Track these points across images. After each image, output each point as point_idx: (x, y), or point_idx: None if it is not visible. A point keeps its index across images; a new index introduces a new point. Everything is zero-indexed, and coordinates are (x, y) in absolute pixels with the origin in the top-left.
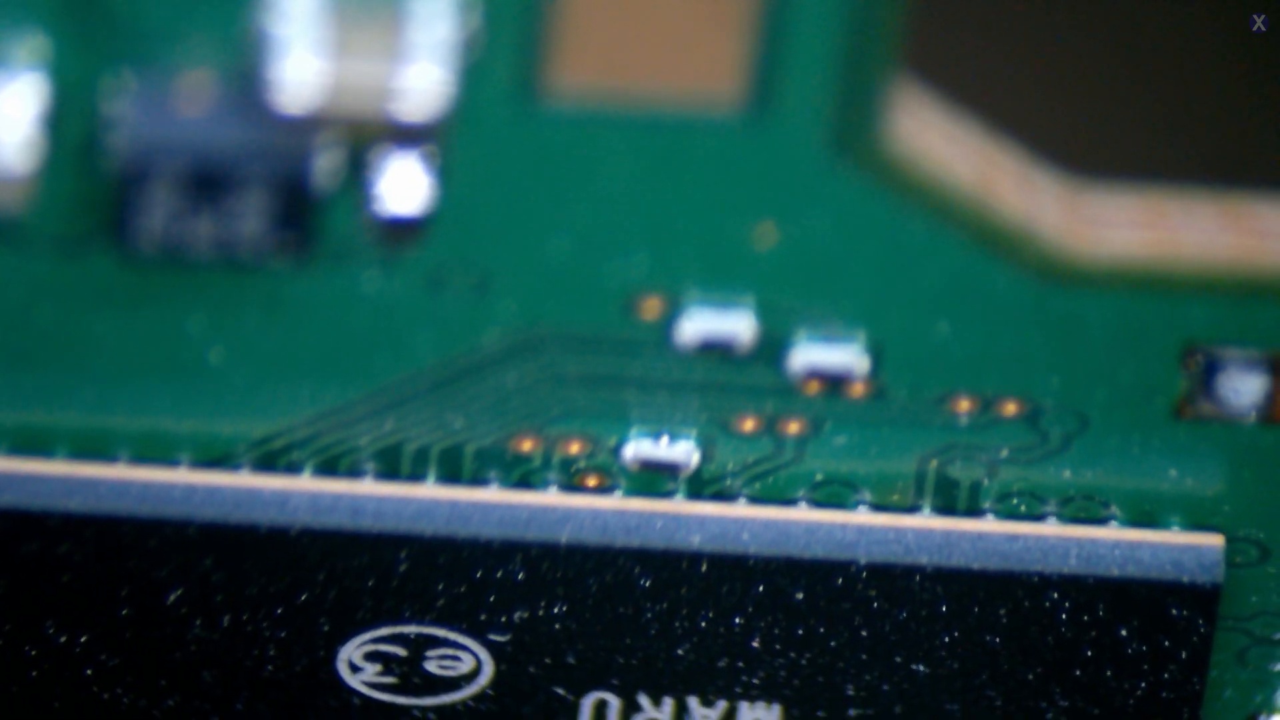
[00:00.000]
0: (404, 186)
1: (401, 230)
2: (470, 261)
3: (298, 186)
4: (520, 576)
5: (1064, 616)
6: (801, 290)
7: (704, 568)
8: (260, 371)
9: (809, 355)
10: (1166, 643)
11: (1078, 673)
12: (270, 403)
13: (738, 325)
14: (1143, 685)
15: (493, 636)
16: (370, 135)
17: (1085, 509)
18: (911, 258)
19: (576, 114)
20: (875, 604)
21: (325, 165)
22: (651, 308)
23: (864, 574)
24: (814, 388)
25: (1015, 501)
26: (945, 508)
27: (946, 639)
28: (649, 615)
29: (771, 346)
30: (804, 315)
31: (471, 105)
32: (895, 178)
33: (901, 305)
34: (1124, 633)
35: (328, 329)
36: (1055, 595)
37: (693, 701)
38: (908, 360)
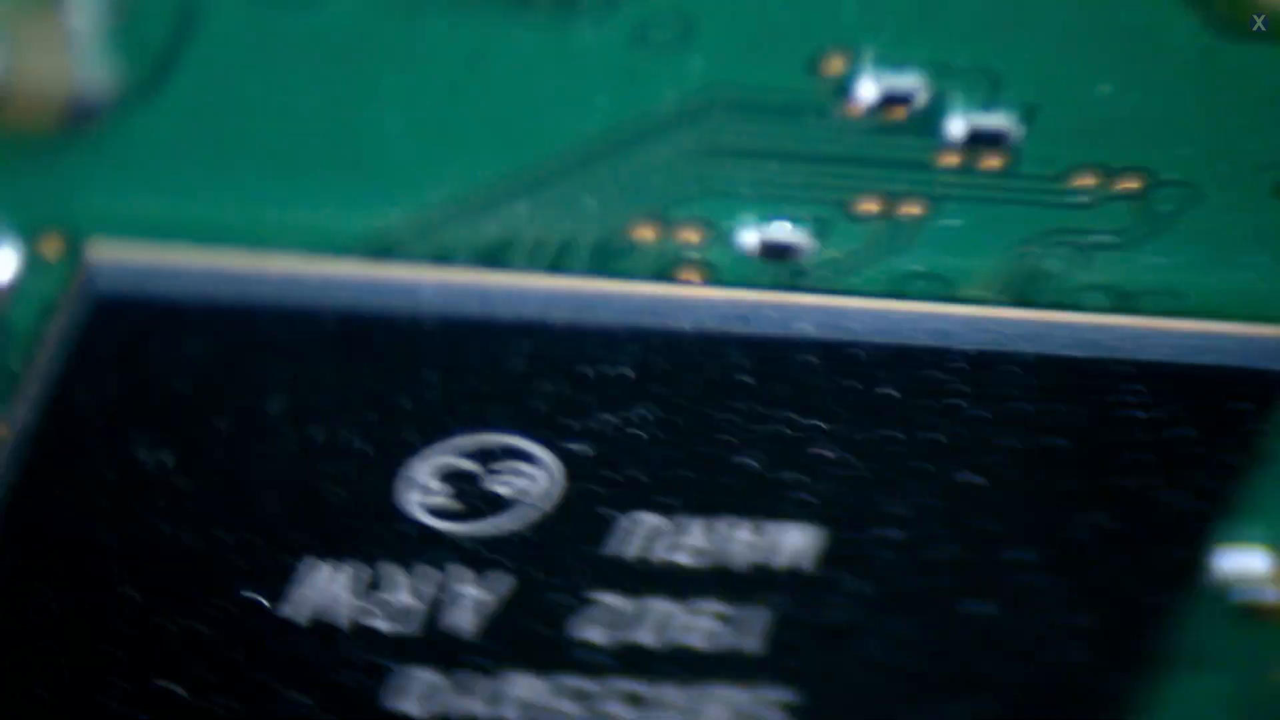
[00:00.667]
0: None
1: None
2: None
3: None
4: (617, 375)
5: (1125, 401)
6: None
7: (791, 355)
8: (428, 138)
9: (966, 121)
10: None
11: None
12: (419, 177)
13: (912, 85)
14: (1191, 479)
15: (572, 447)
16: None
17: (1162, 303)
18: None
19: None
20: (944, 397)
21: None
22: (834, 65)
23: (929, 362)
24: (951, 159)
25: (1094, 295)
26: (1026, 300)
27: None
28: (731, 414)
29: (935, 111)
30: (968, 79)
31: None
32: None
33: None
34: (1181, 420)
35: (513, 89)
36: (1114, 381)
37: (741, 525)
38: (1058, 127)
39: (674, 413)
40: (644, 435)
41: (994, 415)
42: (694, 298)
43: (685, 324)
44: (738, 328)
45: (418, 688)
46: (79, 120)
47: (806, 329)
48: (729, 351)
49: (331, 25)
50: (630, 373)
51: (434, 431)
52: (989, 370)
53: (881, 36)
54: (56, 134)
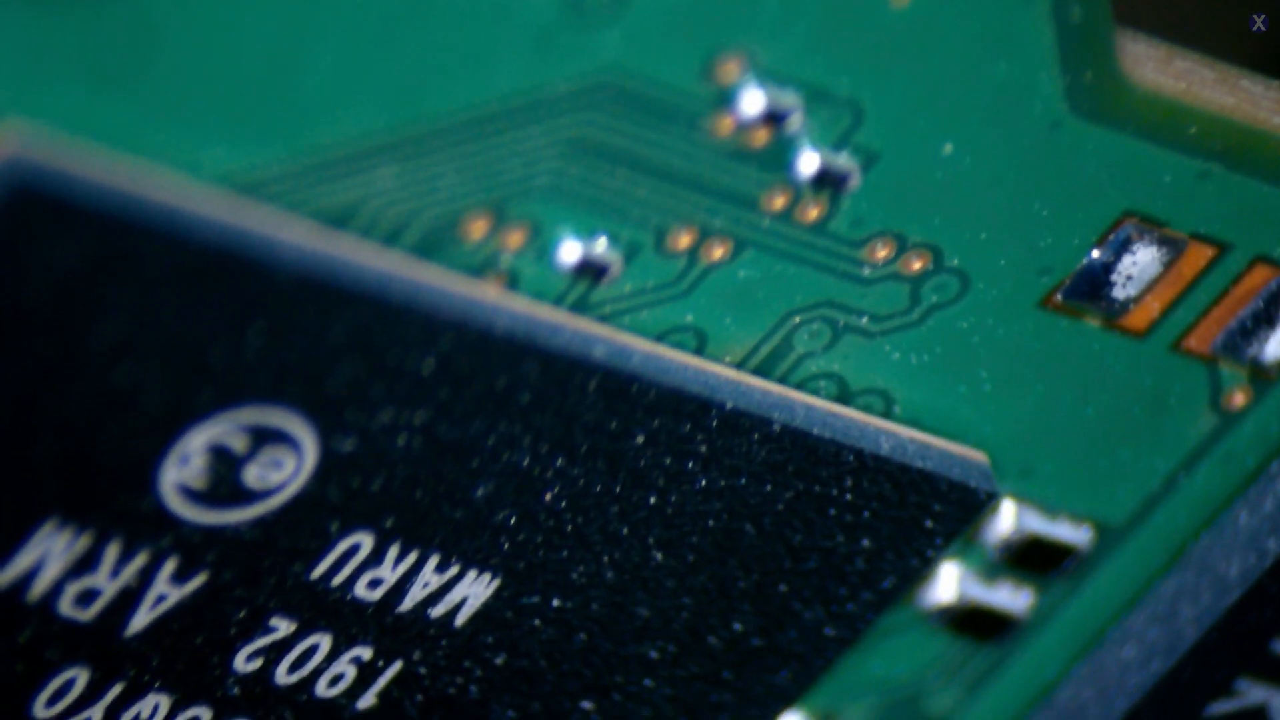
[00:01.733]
0: None
1: None
2: None
3: None
4: (414, 367)
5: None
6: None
7: (581, 382)
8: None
9: (817, 156)
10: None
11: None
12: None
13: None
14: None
15: (337, 441)
16: None
17: (873, 404)
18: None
19: None
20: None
21: None
22: (728, 70)
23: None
24: (777, 201)
25: (821, 383)
26: (765, 371)
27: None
28: (489, 440)
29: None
30: (836, 109)
31: None
32: None
33: (930, 112)
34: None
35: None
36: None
37: (430, 561)
38: (889, 181)
39: (444, 420)
40: (404, 445)
41: (708, 482)
42: (497, 300)
43: (495, 328)
44: (539, 340)
45: (54, 686)
46: None
47: (595, 356)
48: (524, 363)
49: None
50: (428, 369)
51: (226, 399)
52: (735, 434)
53: (782, 45)
54: None
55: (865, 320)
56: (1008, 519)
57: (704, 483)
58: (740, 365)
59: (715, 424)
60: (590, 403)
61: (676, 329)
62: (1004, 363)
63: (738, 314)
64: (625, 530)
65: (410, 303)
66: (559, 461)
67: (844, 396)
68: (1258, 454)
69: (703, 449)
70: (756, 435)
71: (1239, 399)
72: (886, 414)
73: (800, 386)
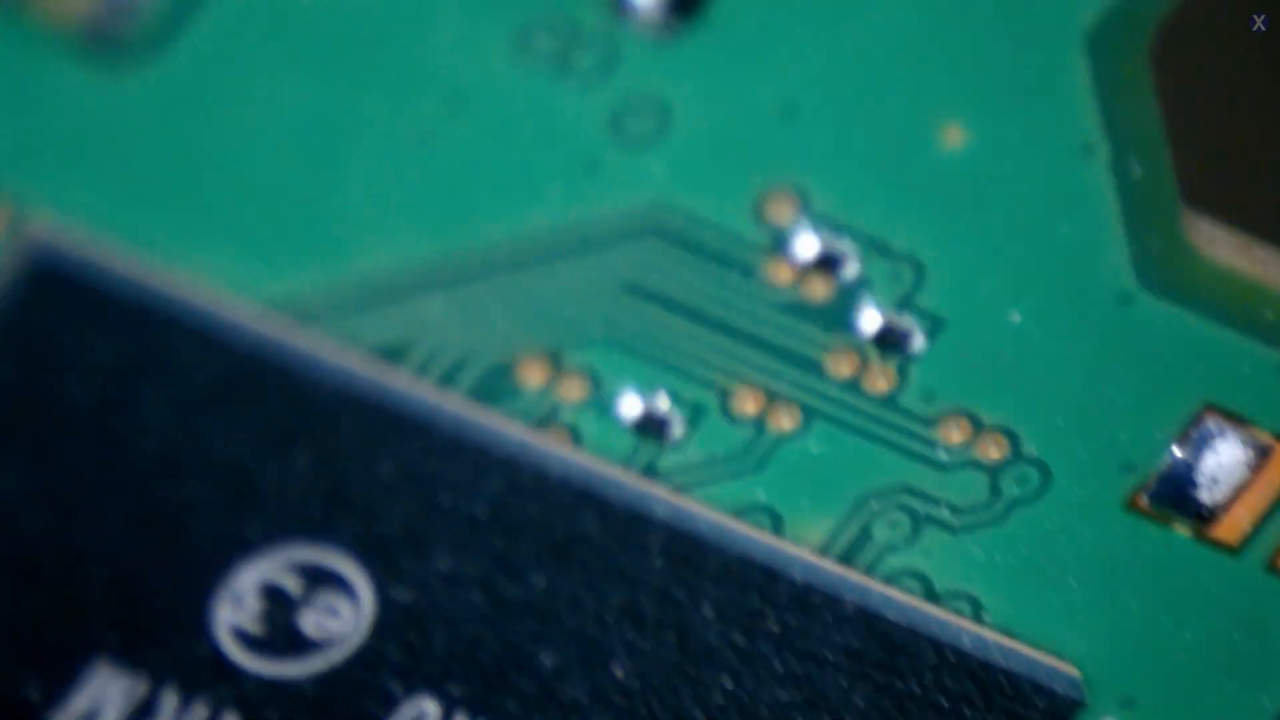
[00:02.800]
0: None
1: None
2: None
3: None
4: (468, 511)
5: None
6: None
7: (644, 545)
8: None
9: (879, 314)
10: None
11: None
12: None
13: (846, 251)
14: None
15: (395, 592)
16: None
17: (962, 609)
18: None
19: None
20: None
21: None
22: (781, 209)
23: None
24: (844, 365)
25: (907, 581)
26: (846, 560)
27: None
28: (554, 600)
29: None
30: (895, 264)
31: None
32: None
33: (991, 277)
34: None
35: (482, 140)
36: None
37: None
38: (956, 349)
39: (503, 573)
40: (464, 598)
41: (783, 666)
42: (562, 454)
43: (552, 474)
44: (599, 492)
45: None
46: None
47: (657, 515)
48: (577, 514)
49: (314, 61)
50: (484, 513)
51: (276, 532)
52: (809, 612)
53: (835, 188)
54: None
55: (946, 512)
56: None
57: (778, 666)
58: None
59: (786, 599)
60: (654, 566)
61: (750, 508)
62: (1093, 571)
63: (812, 494)
64: (700, 716)
65: (464, 440)
66: (626, 631)
67: (930, 597)
68: None
69: (774, 627)
70: (830, 616)
71: None
72: (976, 619)
73: (885, 583)
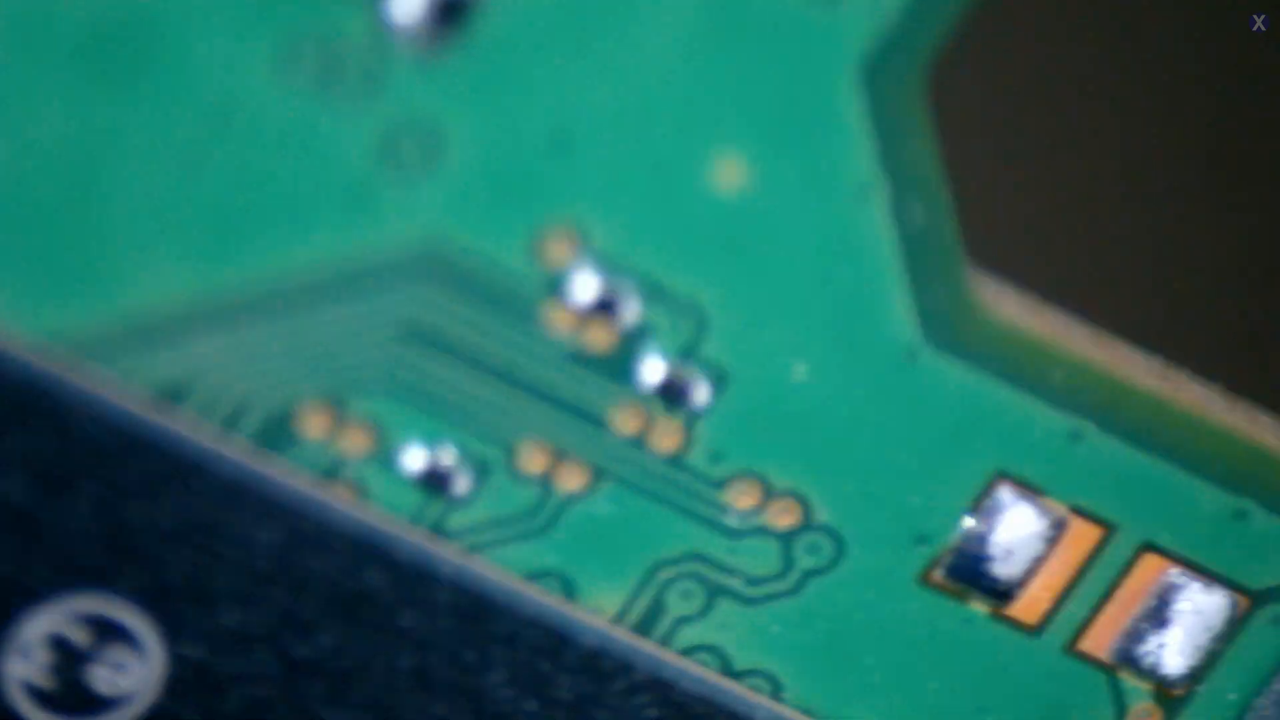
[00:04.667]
0: None
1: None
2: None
3: None
4: (251, 562)
5: None
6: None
7: (433, 603)
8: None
9: (663, 366)
10: None
11: None
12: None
13: (625, 295)
14: None
15: (181, 647)
16: None
17: (761, 687)
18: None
19: None
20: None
21: None
22: (558, 248)
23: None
24: (630, 425)
25: (703, 655)
26: (642, 630)
27: None
28: (343, 661)
29: (634, 346)
30: (676, 311)
31: None
32: None
33: (775, 328)
34: None
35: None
36: None
37: None
38: (742, 406)
39: (290, 630)
40: (254, 649)
41: None
42: (346, 508)
43: (336, 528)
44: (384, 548)
45: None
46: None
47: (444, 574)
48: (363, 571)
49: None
50: (267, 565)
51: (59, 578)
52: (602, 680)
53: (613, 225)
54: None
55: (738, 582)
56: None
57: None
58: (614, 623)
59: (577, 665)
60: (442, 627)
61: (541, 572)
62: (891, 648)
63: (603, 560)
64: None
65: (246, 489)
66: (419, 696)
67: (728, 672)
68: None
69: (567, 695)
70: (621, 685)
71: None
72: (774, 697)
73: (681, 656)
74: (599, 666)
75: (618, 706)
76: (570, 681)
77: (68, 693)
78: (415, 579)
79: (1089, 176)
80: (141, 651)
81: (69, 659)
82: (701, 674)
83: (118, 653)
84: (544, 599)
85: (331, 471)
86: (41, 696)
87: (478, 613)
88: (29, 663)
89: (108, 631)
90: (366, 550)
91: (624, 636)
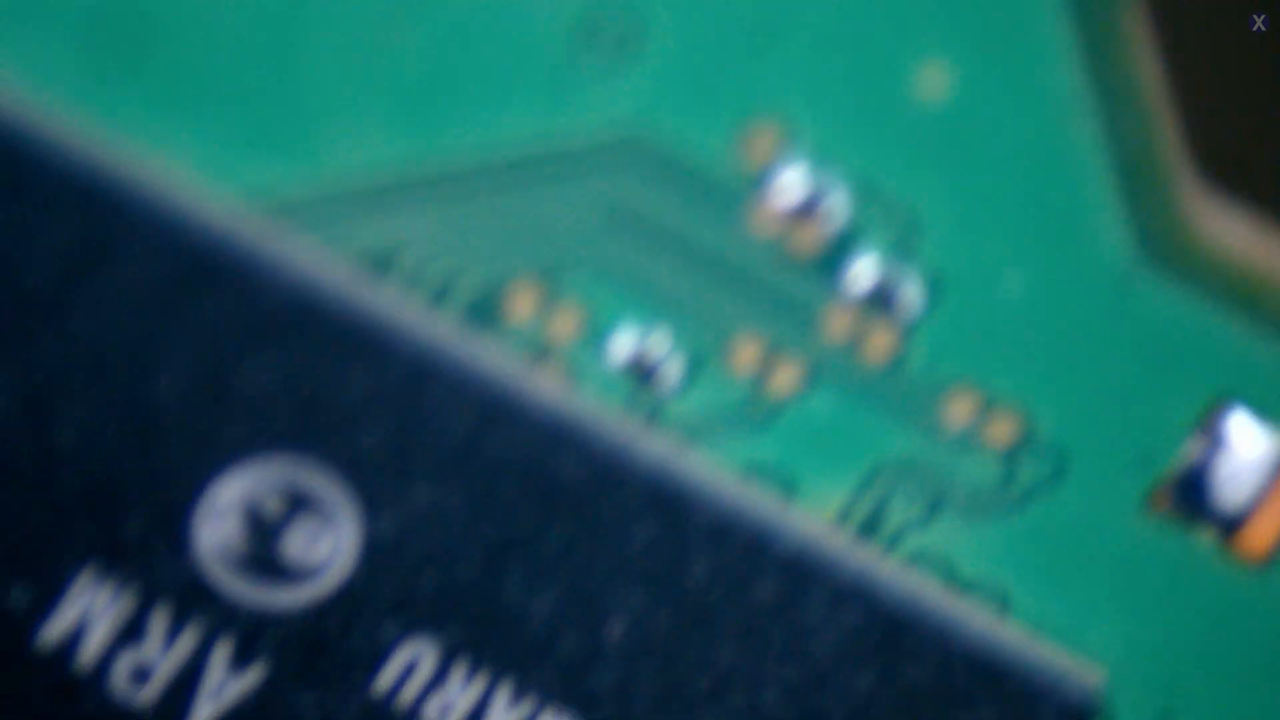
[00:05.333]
0: None
1: None
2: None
3: None
4: (448, 439)
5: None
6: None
7: (632, 496)
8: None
9: (873, 269)
10: None
11: None
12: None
13: (833, 196)
14: None
15: (376, 520)
16: None
17: (987, 600)
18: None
19: None
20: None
21: None
22: (763, 144)
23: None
24: (841, 328)
25: (928, 564)
26: (864, 535)
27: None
28: (540, 546)
29: (843, 246)
30: (888, 212)
31: None
32: None
33: (992, 237)
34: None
35: (440, 51)
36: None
37: (501, 692)
38: (960, 317)
39: (487, 508)
40: (450, 529)
41: (782, 645)
42: (550, 391)
43: (537, 411)
44: (579, 433)
45: None
46: None
47: (644, 467)
48: (562, 456)
49: None
50: (462, 444)
51: (255, 438)
52: (803, 588)
53: (817, 125)
54: None
55: (961, 494)
56: None
57: (777, 641)
58: (835, 527)
59: (774, 567)
60: (640, 519)
61: (759, 468)
62: (1117, 572)
63: (821, 460)
64: (704, 686)
65: (444, 367)
66: (617, 586)
67: (954, 584)
68: None
69: (767, 597)
70: (825, 591)
71: None
72: (1002, 611)
73: (907, 563)
74: (803, 569)
75: (820, 611)
76: (772, 583)
77: (261, 561)
78: (616, 468)
79: None
80: (335, 524)
81: (262, 527)
82: (911, 586)
83: (311, 522)
84: (747, 496)
85: (539, 354)
86: (234, 563)
87: (677, 506)
88: (222, 527)
89: (301, 500)
90: (567, 436)
91: (832, 541)
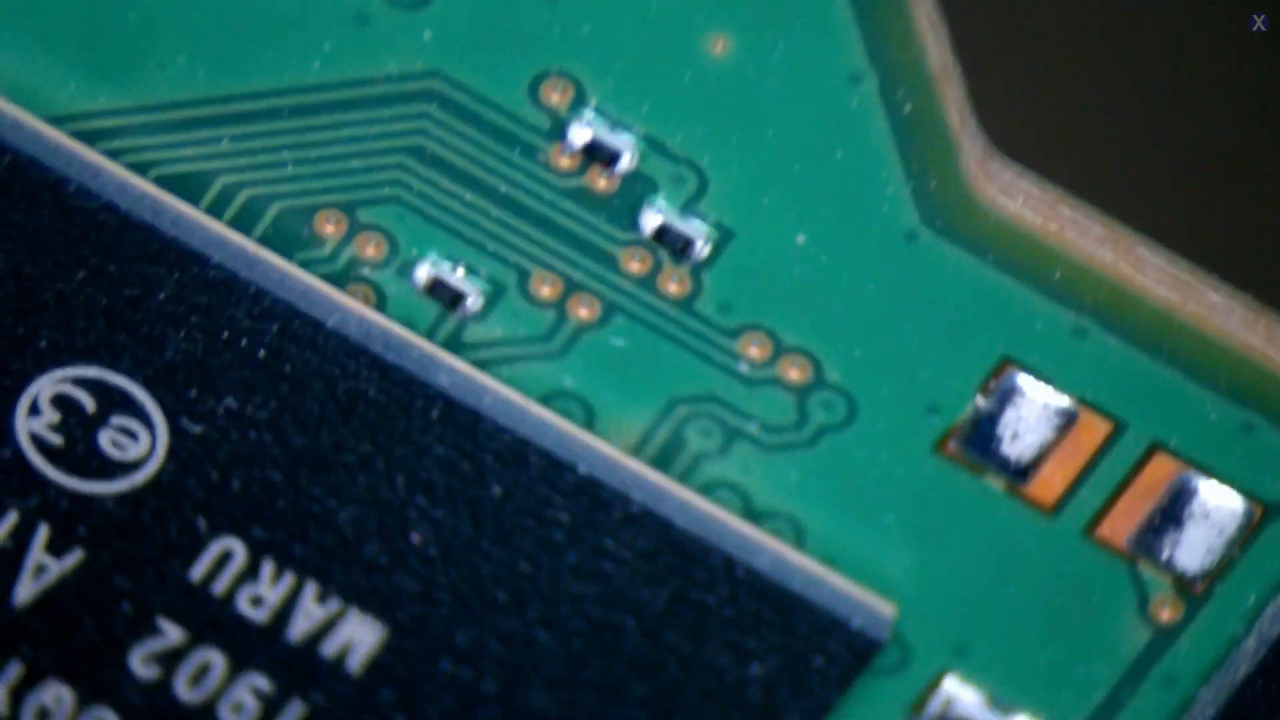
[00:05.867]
0: None
1: None
2: None
3: None
4: (252, 352)
5: (722, 607)
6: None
7: (432, 413)
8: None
9: (663, 217)
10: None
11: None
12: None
13: (624, 146)
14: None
15: (185, 422)
16: None
17: (782, 530)
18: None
19: None
20: (557, 525)
21: None
22: (557, 95)
23: (565, 485)
24: (636, 266)
25: (723, 493)
26: (661, 463)
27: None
28: (344, 456)
29: (636, 192)
30: (676, 169)
31: None
32: None
33: (780, 191)
34: (768, 643)
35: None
36: (727, 582)
37: (309, 590)
38: (750, 267)
39: (288, 417)
40: (255, 440)
41: (578, 560)
42: (353, 310)
43: (343, 331)
44: (381, 351)
45: None
46: None
47: (444, 386)
48: (362, 372)
49: None
50: (263, 354)
51: (71, 344)
52: (596, 506)
53: (608, 81)
54: None
55: (755, 428)
56: (951, 698)
57: (574, 559)
58: (633, 454)
59: (569, 488)
60: (436, 434)
61: (559, 394)
62: (909, 511)
63: (621, 390)
64: (503, 597)
65: (246, 277)
66: (419, 498)
67: (750, 514)
68: (1196, 679)
69: (563, 517)
70: (618, 514)
71: (1167, 614)
72: (796, 542)
73: (702, 493)
74: (599, 493)
75: (615, 532)
76: (568, 505)
77: (78, 451)
78: (415, 386)
79: (1111, 64)
80: (147, 422)
81: (79, 423)
82: (705, 512)
83: (125, 421)
84: (544, 420)
85: (344, 276)
86: (52, 451)
87: (475, 426)
88: (39, 418)
89: (114, 400)
90: (369, 353)
91: (627, 466)
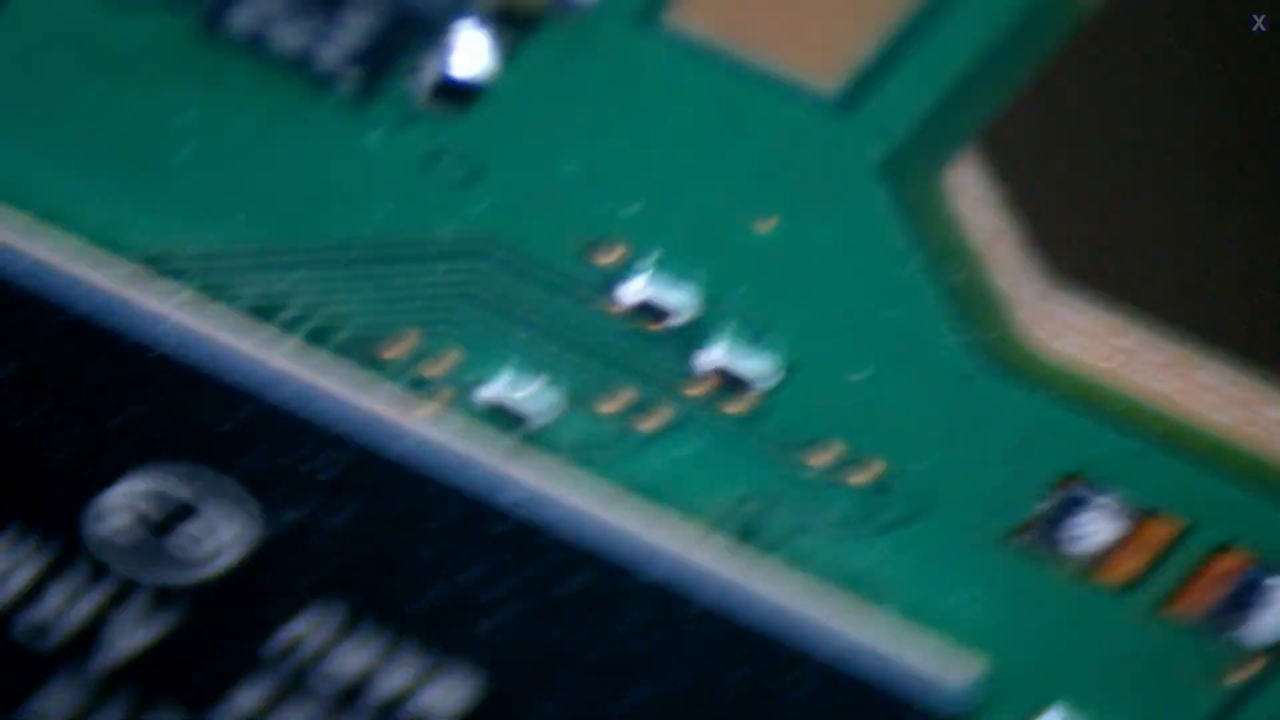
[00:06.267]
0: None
1: (452, 92)
2: (470, 153)
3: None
4: (321, 468)
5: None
6: (756, 294)
7: (501, 527)
8: (213, 185)
9: (722, 355)
10: None
11: None
12: (197, 219)
13: (679, 301)
14: None
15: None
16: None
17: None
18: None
19: (683, 46)
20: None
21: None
22: (610, 255)
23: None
24: (700, 389)
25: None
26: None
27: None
28: (423, 552)
29: (695, 335)
30: (742, 317)
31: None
32: None
33: (837, 338)
34: None
35: (306, 169)
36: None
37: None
38: (811, 392)
39: (368, 529)
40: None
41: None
42: (425, 432)
43: (408, 457)
44: (450, 478)
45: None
46: None
47: (512, 500)
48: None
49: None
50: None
51: (150, 456)
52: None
53: (662, 243)
54: None
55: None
56: None
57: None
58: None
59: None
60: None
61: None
62: (984, 585)
63: (691, 487)
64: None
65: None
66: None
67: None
68: None
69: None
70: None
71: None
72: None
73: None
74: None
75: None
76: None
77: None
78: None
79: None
80: (228, 524)
81: (153, 526)
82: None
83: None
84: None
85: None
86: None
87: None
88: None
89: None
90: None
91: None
